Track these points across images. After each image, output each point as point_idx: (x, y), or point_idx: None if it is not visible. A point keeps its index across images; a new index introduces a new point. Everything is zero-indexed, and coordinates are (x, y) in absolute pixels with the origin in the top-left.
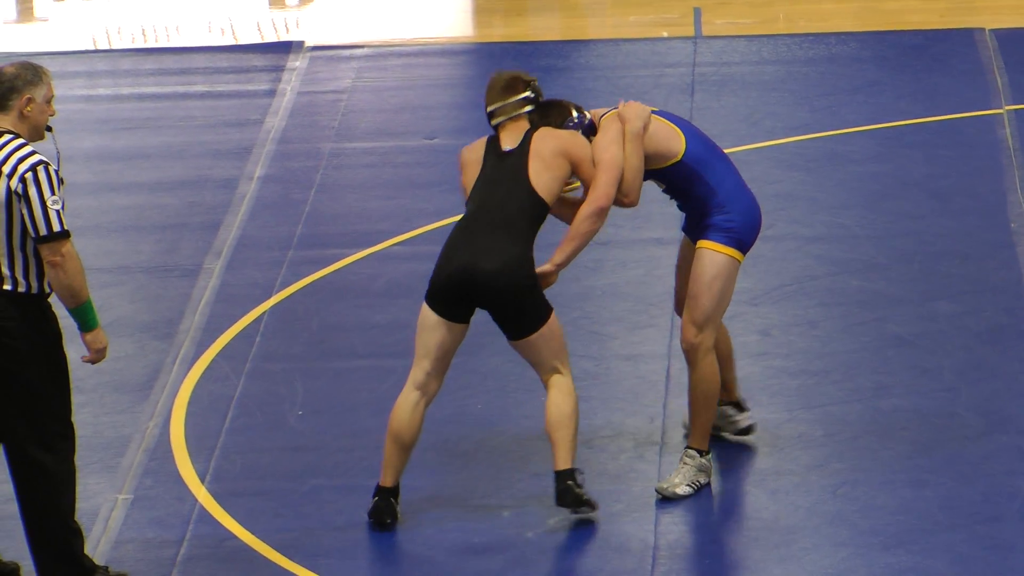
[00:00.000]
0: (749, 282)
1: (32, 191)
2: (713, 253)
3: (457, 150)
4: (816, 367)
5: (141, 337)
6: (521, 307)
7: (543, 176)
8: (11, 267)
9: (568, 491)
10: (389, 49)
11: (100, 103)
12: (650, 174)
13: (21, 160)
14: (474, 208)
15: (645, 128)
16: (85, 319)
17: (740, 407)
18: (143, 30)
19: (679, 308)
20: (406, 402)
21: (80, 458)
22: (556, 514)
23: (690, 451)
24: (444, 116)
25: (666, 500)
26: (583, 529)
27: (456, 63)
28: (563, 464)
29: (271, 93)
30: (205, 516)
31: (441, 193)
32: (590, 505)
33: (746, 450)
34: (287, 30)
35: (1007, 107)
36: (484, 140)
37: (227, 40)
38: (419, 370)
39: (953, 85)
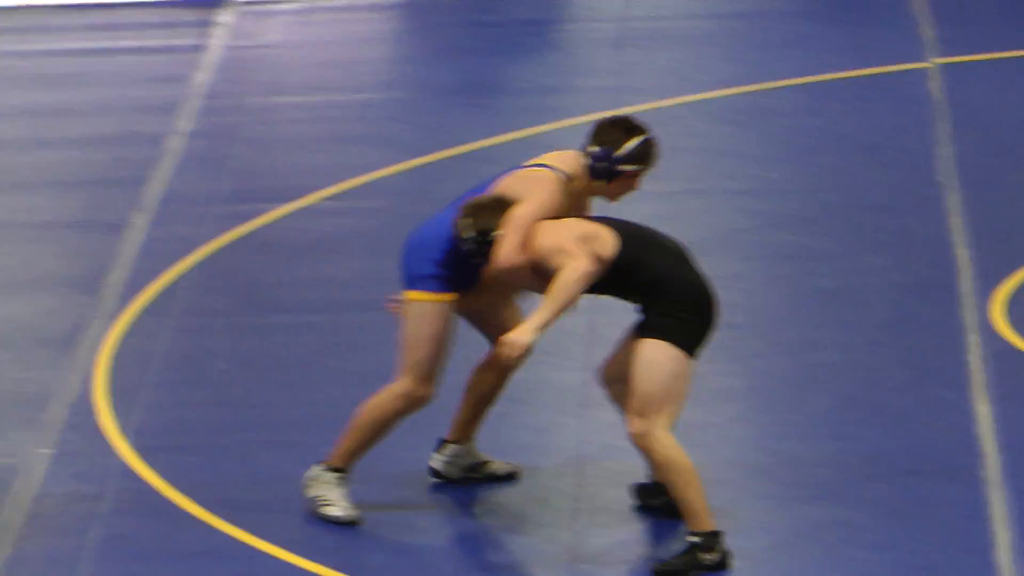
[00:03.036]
0: (675, 234)
1: None
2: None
3: (385, 105)
4: (741, 320)
5: (66, 292)
6: None
7: None
8: None
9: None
10: (318, 4)
11: (29, 59)
12: None
13: None
14: (669, 246)
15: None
16: None
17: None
18: None
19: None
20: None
21: (2, 413)
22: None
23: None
24: (373, 71)
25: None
26: (507, 485)
27: (385, 18)
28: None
29: (199, 48)
30: (128, 471)
31: (369, 148)
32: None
33: None
34: None
35: (935, 60)
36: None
37: None
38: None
39: (883, 38)
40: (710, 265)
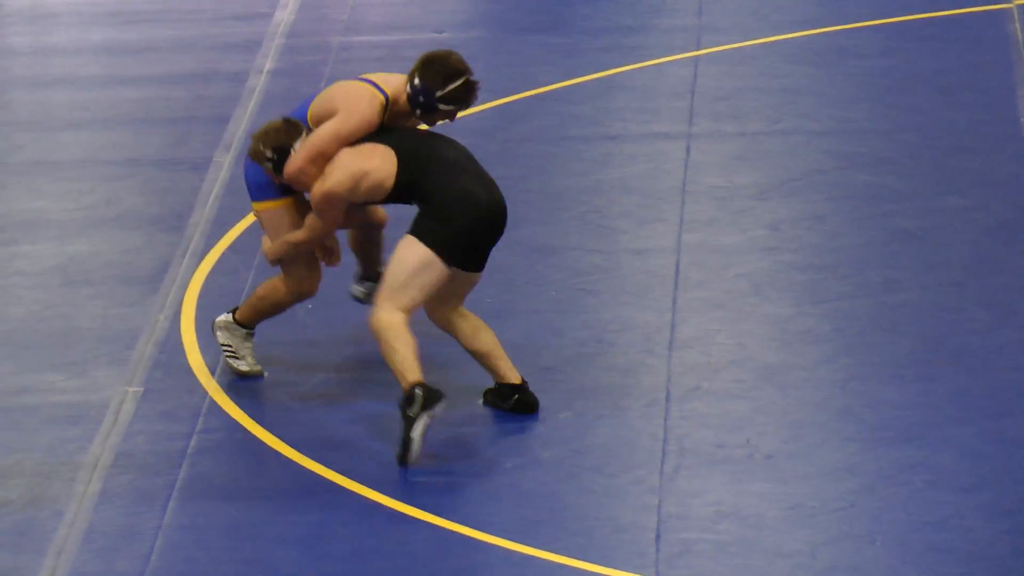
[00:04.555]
0: (756, 176)
1: None
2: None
3: (464, 44)
4: (824, 261)
5: (150, 230)
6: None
7: None
8: None
9: (530, 399)
10: None
11: None
12: None
13: None
14: (450, 156)
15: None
16: None
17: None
18: None
19: None
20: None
21: (89, 351)
22: (566, 409)
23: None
24: (452, 9)
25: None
26: (594, 421)
27: None
28: (517, 378)
29: None
30: (215, 408)
31: None
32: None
33: (754, 344)
34: None
35: (1016, 1)
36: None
37: None
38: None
39: None
40: (793, 206)
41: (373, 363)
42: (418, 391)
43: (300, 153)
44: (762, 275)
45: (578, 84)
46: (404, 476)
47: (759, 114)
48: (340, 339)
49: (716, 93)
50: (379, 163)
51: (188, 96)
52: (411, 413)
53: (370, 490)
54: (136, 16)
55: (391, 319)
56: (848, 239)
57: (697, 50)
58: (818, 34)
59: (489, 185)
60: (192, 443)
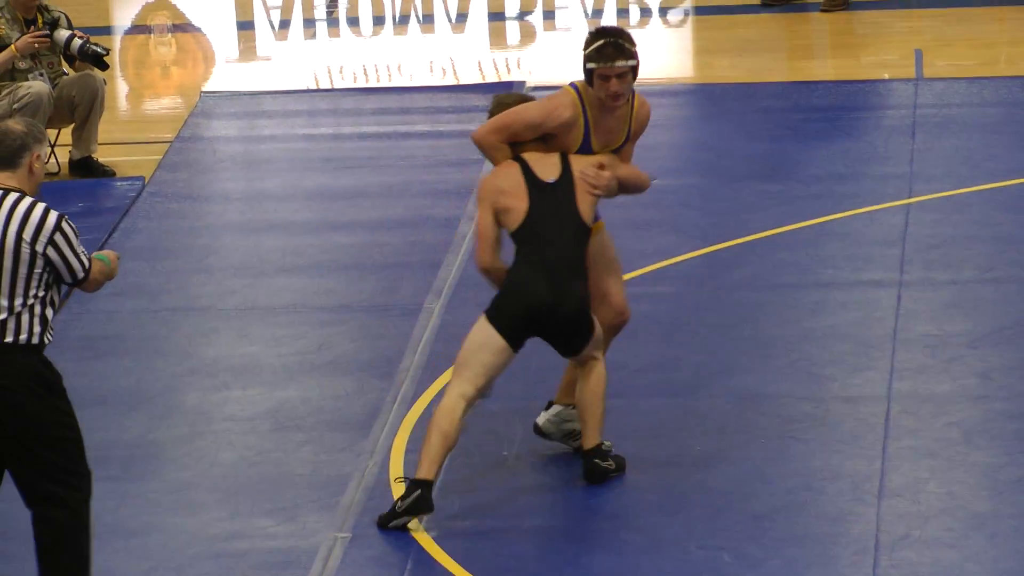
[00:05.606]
0: (968, 324)
1: (64, 249)
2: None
3: (678, 191)
4: None
5: (361, 376)
6: (583, 335)
7: (585, 203)
8: (18, 320)
9: (594, 468)
10: None
11: (321, 142)
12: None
13: (42, 221)
14: (542, 245)
15: None
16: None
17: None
18: (364, 69)
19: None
20: (456, 409)
21: (299, 496)
22: (776, 557)
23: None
24: (666, 156)
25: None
26: (803, 570)
27: (677, 103)
28: (591, 443)
29: None
30: (423, 556)
31: (662, 233)
32: (618, 469)
33: (965, 493)
34: (508, 70)
35: None
36: (514, 167)
37: (448, 80)
38: (471, 386)
39: None
40: (1005, 354)
41: (579, 510)
42: (416, 491)
43: (489, 120)
44: (973, 423)
45: (790, 231)
46: None
47: (971, 262)
48: (548, 485)
49: (928, 241)
50: (518, 205)
51: (400, 242)
52: (398, 507)
53: None
54: (348, 162)
55: (451, 406)
56: None
57: (909, 198)
58: None
59: (560, 293)
60: None
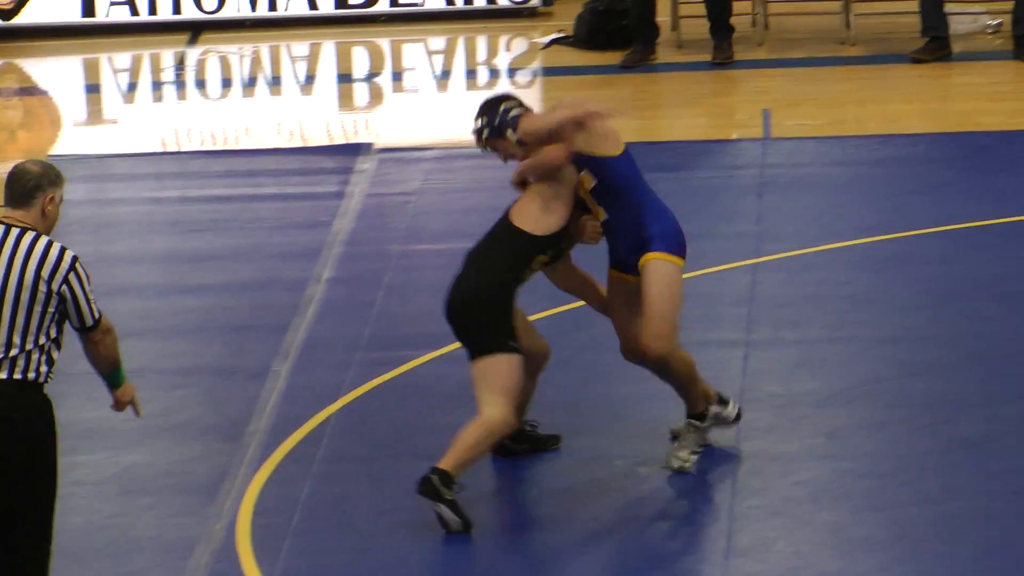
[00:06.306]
0: (815, 383)
1: (77, 290)
2: (661, 263)
3: None
4: (883, 469)
5: (208, 439)
6: (468, 336)
7: (521, 203)
8: (28, 358)
9: (428, 482)
10: (458, 151)
11: (169, 205)
12: (587, 162)
13: (58, 260)
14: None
15: (580, 122)
16: (117, 378)
17: (722, 400)
18: (212, 132)
19: (628, 347)
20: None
21: (147, 560)
22: None
23: (690, 421)
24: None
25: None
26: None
27: None
28: (443, 464)
29: (340, 195)
30: None
31: None
32: (449, 513)
33: (812, 553)
34: (356, 132)
35: None
36: None
37: (296, 142)
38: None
39: (1022, 186)
40: (852, 413)
41: (429, 573)
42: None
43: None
44: (820, 482)
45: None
46: None
47: (819, 321)
48: (398, 548)
49: (776, 300)
50: None
51: (247, 305)
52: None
53: None
54: (196, 225)
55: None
56: (907, 447)
57: (757, 257)
58: (879, 241)
59: (453, 284)
60: None
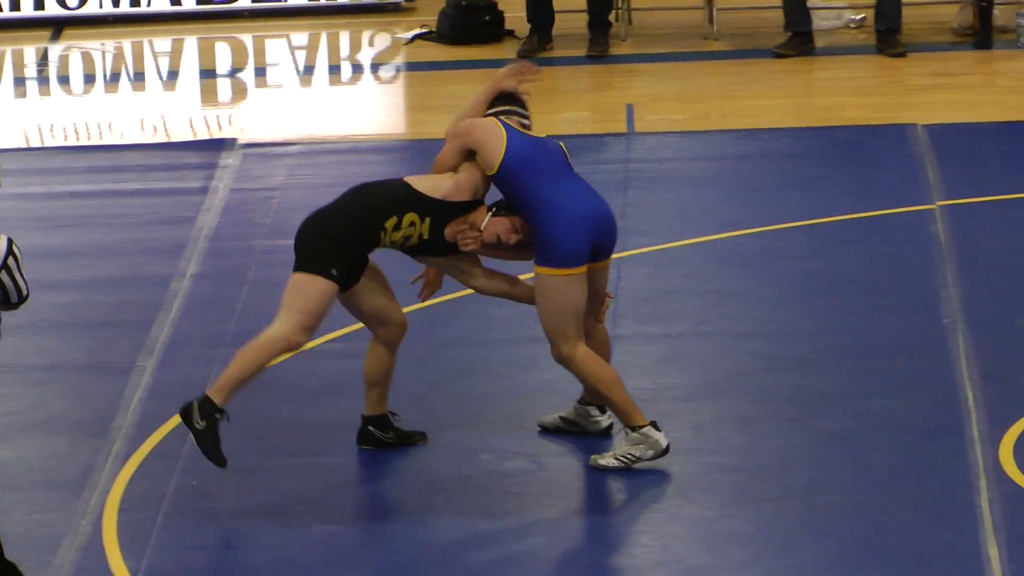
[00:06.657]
0: (682, 378)
1: (15, 272)
2: (538, 277)
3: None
4: (750, 463)
5: (74, 435)
6: (300, 243)
7: (429, 177)
8: None
9: (189, 408)
10: (322, 146)
11: (33, 201)
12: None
13: None
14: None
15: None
16: None
17: (602, 409)
18: (75, 127)
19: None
20: None
21: (12, 556)
22: None
23: (626, 431)
24: None
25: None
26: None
27: (389, 159)
28: (211, 390)
29: (204, 190)
30: None
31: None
32: (198, 442)
33: (678, 547)
34: (219, 127)
35: (939, 202)
36: None
37: (160, 138)
38: None
39: (887, 180)
40: (718, 408)
41: (293, 566)
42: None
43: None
44: (686, 476)
45: None
46: None
47: (684, 316)
48: (263, 543)
49: (641, 295)
50: None
51: (112, 300)
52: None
53: None
54: (60, 221)
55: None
56: (774, 441)
57: (621, 252)
58: (746, 235)
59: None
60: None
